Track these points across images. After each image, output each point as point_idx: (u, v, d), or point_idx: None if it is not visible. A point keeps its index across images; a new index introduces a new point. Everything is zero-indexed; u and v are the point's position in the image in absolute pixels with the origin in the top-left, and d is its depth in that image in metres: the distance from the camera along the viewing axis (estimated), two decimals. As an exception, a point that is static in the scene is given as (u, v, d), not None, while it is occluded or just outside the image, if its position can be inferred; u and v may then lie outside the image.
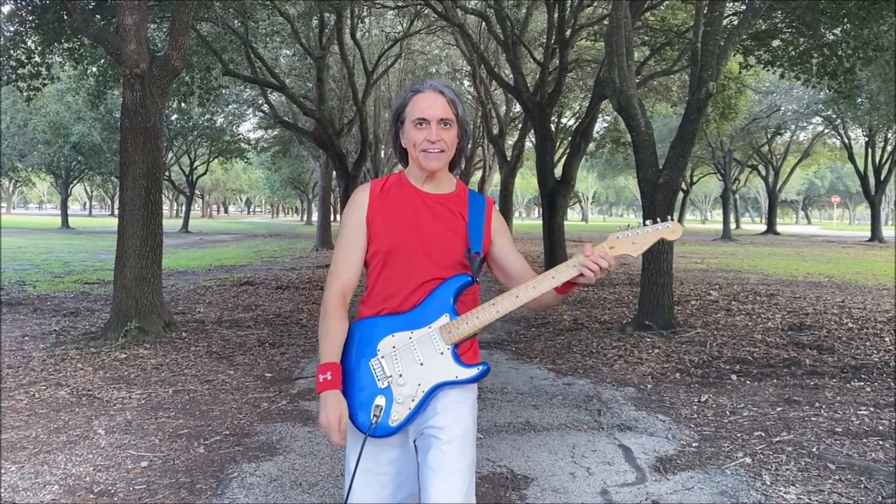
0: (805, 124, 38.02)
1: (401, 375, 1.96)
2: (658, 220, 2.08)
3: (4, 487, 3.49)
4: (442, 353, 1.98)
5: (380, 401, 1.95)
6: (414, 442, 2.03)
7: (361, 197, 2.09)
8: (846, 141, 35.50)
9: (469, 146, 1.94)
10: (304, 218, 67.22)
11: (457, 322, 2.00)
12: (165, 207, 79.01)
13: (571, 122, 24.61)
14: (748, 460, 3.92)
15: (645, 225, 2.07)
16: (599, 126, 24.51)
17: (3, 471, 3.70)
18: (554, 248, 13.60)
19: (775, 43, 11.70)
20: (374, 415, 1.93)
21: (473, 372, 2.00)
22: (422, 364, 1.97)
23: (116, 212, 8.49)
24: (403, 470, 2.03)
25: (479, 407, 4.69)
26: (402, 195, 2.08)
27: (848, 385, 5.55)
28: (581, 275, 2.00)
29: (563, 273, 1.99)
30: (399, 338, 1.99)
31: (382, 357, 1.98)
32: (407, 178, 2.12)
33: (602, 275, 1.99)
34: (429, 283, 2.03)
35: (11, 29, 10.67)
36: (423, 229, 2.04)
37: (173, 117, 29.42)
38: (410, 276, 2.02)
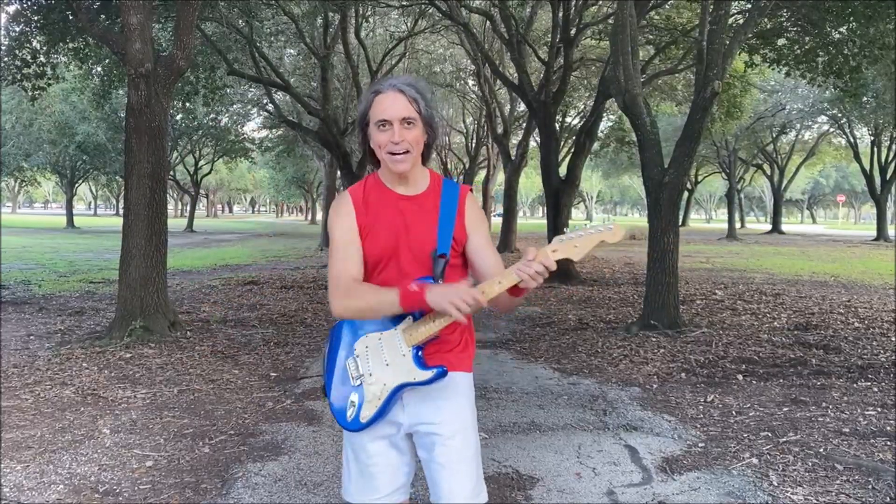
0: (810, 123, 37.92)
1: (371, 374, 2.02)
2: (601, 222, 2.00)
3: (10, 487, 3.49)
4: (404, 355, 2.00)
5: (353, 398, 2.03)
6: (412, 439, 2.11)
7: (346, 207, 2.08)
8: (852, 140, 35.39)
9: (437, 139, 1.85)
10: (309, 217, 67.31)
11: (416, 324, 2.00)
12: (170, 207, 78.86)
13: (576, 121, 24.57)
14: (755, 461, 3.90)
15: (586, 227, 2.01)
16: (604, 125, 24.44)
17: (8, 470, 3.70)
18: (558, 248, 13.55)
19: (781, 41, 11.66)
20: (349, 411, 2.03)
21: (428, 375, 1.99)
22: (387, 364, 2.01)
23: (121, 211, 8.49)
24: (393, 463, 2.10)
25: (485, 407, 4.69)
26: (382, 201, 2.08)
27: (855, 385, 5.52)
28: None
29: (507, 279, 1.95)
30: (371, 339, 2.04)
31: (357, 356, 2.05)
32: (381, 180, 2.12)
33: (539, 279, 1.94)
34: None
35: (17, 29, 10.69)
36: (407, 234, 2.05)
37: (178, 117, 29.40)
38: (401, 280, 2.00)
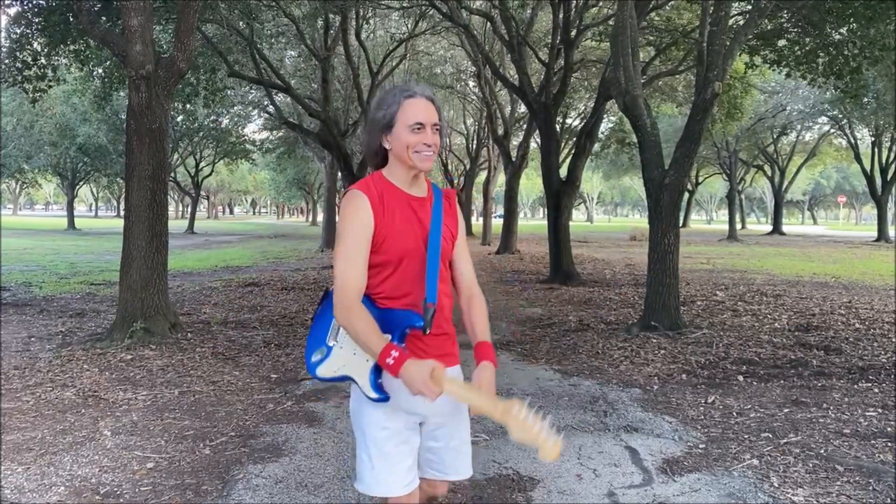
0: (811, 124, 37.94)
1: (341, 349, 2.19)
2: (555, 437, 1.94)
3: (10, 489, 3.49)
4: (367, 360, 2.14)
5: (323, 353, 2.23)
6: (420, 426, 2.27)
7: (364, 204, 2.11)
8: (852, 141, 35.40)
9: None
10: (310, 219, 67.35)
11: None
12: (171, 208, 79.06)
13: (577, 122, 24.60)
14: (755, 462, 3.90)
15: (544, 425, 1.95)
16: (605, 126, 24.49)
17: (9, 472, 3.70)
18: (559, 249, 13.57)
19: (781, 42, 11.67)
20: (316, 357, 2.23)
21: (373, 394, 2.14)
22: (354, 354, 2.16)
23: (122, 213, 8.50)
24: (414, 448, 2.24)
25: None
26: (397, 202, 2.16)
27: (855, 386, 5.52)
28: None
29: (478, 402, 2.04)
30: None
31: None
32: (390, 181, 2.19)
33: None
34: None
35: (17, 31, 10.70)
36: (424, 235, 2.17)
37: (179, 118, 29.46)
38: (422, 275, 2.15)
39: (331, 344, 2.21)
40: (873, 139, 34.52)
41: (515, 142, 23.98)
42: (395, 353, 2.00)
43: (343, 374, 2.19)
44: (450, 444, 2.29)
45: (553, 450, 1.93)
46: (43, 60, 10.99)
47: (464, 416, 2.31)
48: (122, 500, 3.41)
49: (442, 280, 2.19)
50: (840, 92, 11.99)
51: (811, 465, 3.85)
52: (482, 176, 32.51)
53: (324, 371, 2.21)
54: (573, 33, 13.50)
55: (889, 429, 4.42)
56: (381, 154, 2.20)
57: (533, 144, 22.68)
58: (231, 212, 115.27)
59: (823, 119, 35.99)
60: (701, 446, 4.17)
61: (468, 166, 34.61)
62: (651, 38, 14.43)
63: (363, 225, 2.10)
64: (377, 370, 2.11)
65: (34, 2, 10.35)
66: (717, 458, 3.98)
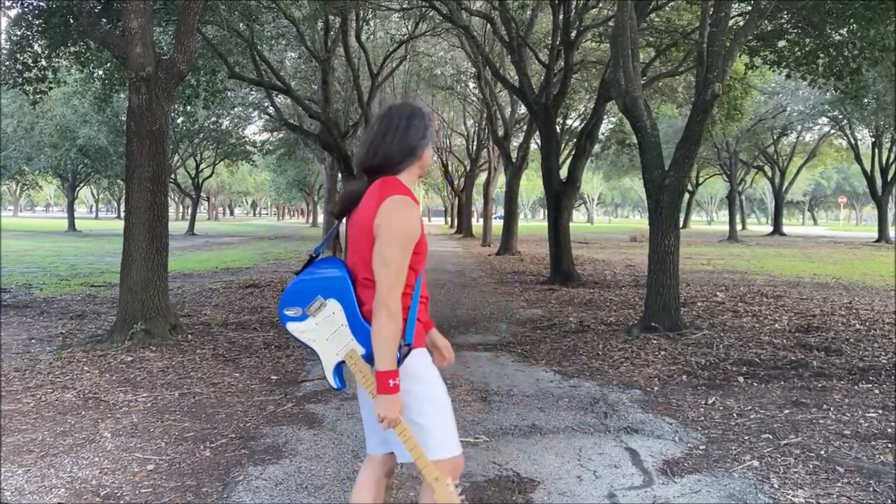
0: (811, 125, 37.96)
1: (316, 325, 2.34)
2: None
3: (10, 491, 3.50)
4: (337, 354, 2.35)
5: (298, 312, 2.37)
6: None
7: (418, 213, 2.24)
8: (853, 141, 35.41)
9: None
10: (310, 220, 67.37)
11: (361, 362, 2.32)
12: (171, 210, 79.11)
13: (577, 123, 24.62)
14: (756, 463, 3.90)
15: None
16: (605, 127, 24.50)
17: (9, 474, 3.70)
18: (559, 250, 13.58)
19: (781, 43, 11.67)
20: (291, 312, 2.39)
21: (332, 382, 2.38)
22: (327, 340, 2.35)
23: (123, 214, 8.51)
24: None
25: (485, 410, 4.71)
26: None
27: (856, 387, 5.52)
28: None
29: (418, 459, 2.26)
30: (341, 315, 2.32)
31: (325, 305, 2.33)
32: (407, 185, 2.34)
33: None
34: None
35: (18, 33, 10.71)
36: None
37: (179, 120, 29.45)
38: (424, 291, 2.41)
39: (309, 314, 2.31)
40: (874, 140, 34.53)
41: (515, 143, 23.99)
42: (395, 381, 2.19)
43: (309, 345, 2.34)
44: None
45: None
46: (43, 62, 10.99)
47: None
48: (122, 502, 3.41)
49: None
50: (840, 93, 11.99)
51: (811, 466, 3.85)
52: (482, 177, 32.52)
53: (292, 328, 2.34)
54: (573, 34, 13.50)
55: (889, 430, 4.42)
56: (410, 160, 2.33)
57: (533, 145, 22.69)
58: (231, 213, 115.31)
59: (824, 120, 36.01)
60: (701, 447, 4.17)
61: (468, 167, 34.63)
62: (651, 39, 14.42)
63: (416, 233, 2.22)
64: (340, 365, 2.31)
65: (35, 4, 10.36)
66: (718, 459, 3.98)
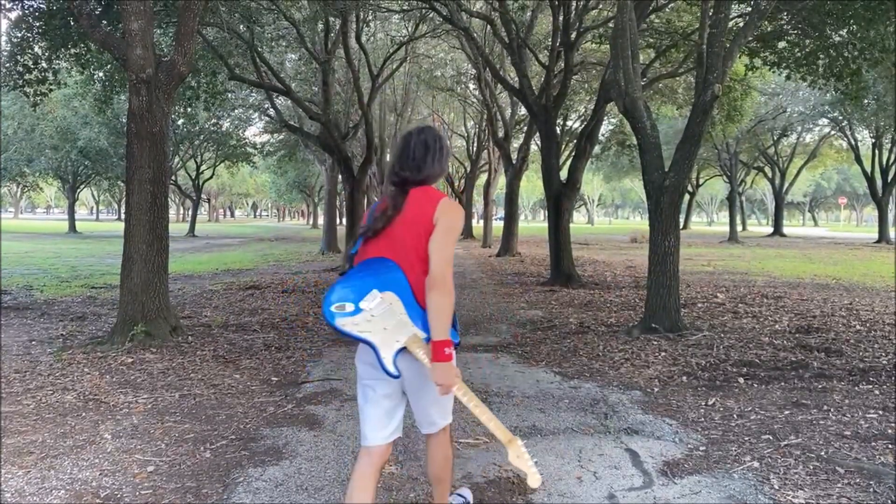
0: (811, 126, 37.99)
1: (372, 317, 2.57)
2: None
3: (11, 492, 3.50)
4: (398, 341, 2.61)
5: (350, 308, 2.57)
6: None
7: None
8: (853, 142, 35.42)
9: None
10: (311, 221, 67.38)
11: (422, 343, 2.61)
12: (172, 212, 79.15)
13: (577, 124, 24.63)
14: (756, 464, 3.90)
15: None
16: (605, 128, 24.52)
17: (9, 476, 3.70)
18: (560, 251, 13.58)
19: (781, 44, 11.68)
20: (337, 307, 2.57)
21: (390, 369, 2.62)
22: (385, 329, 2.59)
23: (123, 216, 8.52)
24: None
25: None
26: None
27: (856, 388, 5.52)
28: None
29: (481, 413, 2.68)
30: (399, 305, 2.60)
31: (381, 298, 2.59)
32: None
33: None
34: None
35: (18, 34, 10.73)
36: None
37: (179, 122, 29.51)
38: None
39: (363, 307, 2.52)
40: (874, 140, 34.54)
41: (516, 144, 24.00)
42: (449, 350, 2.51)
43: (363, 338, 2.54)
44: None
45: (537, 480, 2.69)
46: (44, 64, 11.01)
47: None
48: (122, 504, 3.41)
49: None
50: (840, 94, 11.99)
51: (812, 467, 3.85)
52: (482, 178, 32.54)
53: (343, 323, 2.51)
54: (573, 36, 13.51)
55: (890, 430, 4.42)
56: (442, 175, 2.84)
57: (533, 147, 22.70)
58: (232, 215, 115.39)
59: (824, 121, 36.04)
60: (701, 448, 4.17)
61: (468, 169, 34.64)
62: (651, 40, 14.44)
63: (461, 228, 2.80)
64: (400, 352, 2.55)
65: (35, 6, 10.38)
66: (718, 460, 3.98)
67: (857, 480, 3.65)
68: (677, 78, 15.49)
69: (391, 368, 2.55)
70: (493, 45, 19.41)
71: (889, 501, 3.41)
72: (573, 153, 15.45)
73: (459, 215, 2.67)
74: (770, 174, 42.66)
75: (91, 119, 30.04)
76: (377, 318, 2.52)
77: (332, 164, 22.46)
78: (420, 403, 2.71)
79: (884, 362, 6.46)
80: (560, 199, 13.61)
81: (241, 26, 13.70)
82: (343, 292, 2.53)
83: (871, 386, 5.57)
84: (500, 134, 21.73)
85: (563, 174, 14.57)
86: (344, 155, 17.48)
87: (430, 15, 16.32)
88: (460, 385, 2.55)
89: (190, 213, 45.23)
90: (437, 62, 25.15)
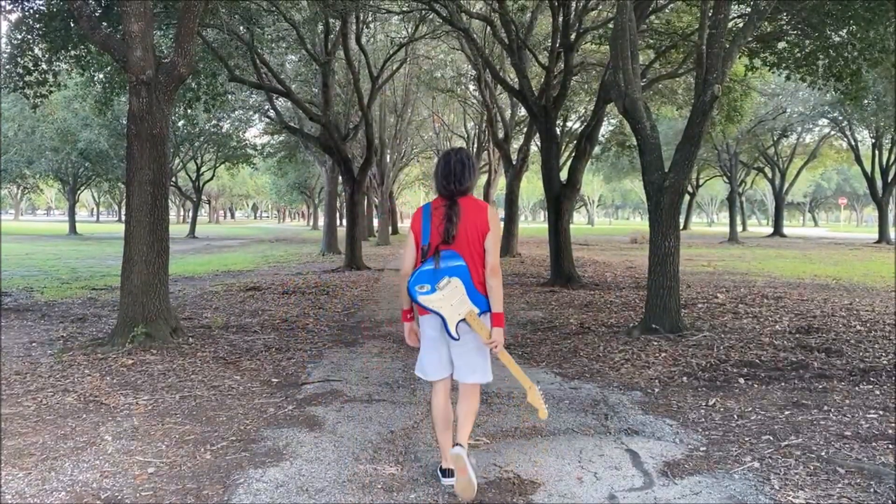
0: (811, 126, 37.98)
1: (443, 296, 3.40)
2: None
3: (11, 494, 3.50)
4: (459, 313, 3.46)
5: (427, 288, 3.45)
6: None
7: None
8: (853, 143, 35.41)
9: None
10: (311, 223, 67.39)
11: (480, 317, 3.47)
12: (172, 213, 79.26)
13: (577, 125, 24.62)
14: (756, 464, 3.90)
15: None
16: (605, 129, 24.51)
17: (10, 477, 3.70)
18: (560, 252, 13.58)
19: (781, 45, 11.68)
20: (419, 287, 3.44)
21: (453, 334, 3.48)
22: (451, 305, 3.43)
23: (123, 218, 8.52)
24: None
25: (486, 412, 4.73)
26: None
27: (857, 388, 5.52)
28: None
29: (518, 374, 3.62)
30: (460, 287, 3.44)
31: (449, 281, 3.44)
32: None
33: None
34: None
35: (18, 36, 10.73)
36: None
37: (180, 123, 29.53)
38: None
39: (437, 289, 3.37)
40: (874, 141, 34.53)
41: (516, 145, 23.99)
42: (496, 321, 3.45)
43: (435, 311, 3.40)
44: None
45: (545, 413, 3.53)
46: (44, 66, 11.02)
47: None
48: (123, 505, 3.41)
49: None
50: (840, 94, 11.99)
51: (812, 467, 3.85)
52: (482, 179, 32.51)
53: (423, 299, 3.39)
54: (573, 37, 13.51)
55: (890, 431, 4.42)
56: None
57: (533, 147, 22.70)
58: (232, 216, 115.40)
59: (824, 121, 36.04)
60: (702, 449, 4.17)
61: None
62: (651, 40, 14.44)
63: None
64: (460, 323, 3.39)
65: (35, 7, 10.38)
66: (718, 460, 3.98)
67: (858, 481, 3.65)
68: (677, 79, 15.50)
69: (454, 333, 3.41)
70: (493, 46, 19.41)
71: (889, 502, 3.41)
72: (573, 154, 15.44)
73: (499, 219, 3.66)
74: (770, 174, 42.66)
75: (91, 121, 30.06)
76: (446, 297, 3.36)
77: (332, 165, 22.46)
78: (464, 359, 3.53)
79: (884, 362, 6.46)
80: (560, 200, 13.62)
81: (241, 28, 13.71)
82: (425, 278, 3.38)
83: (871, 386, 5.57)
84: (500, 135, 21.73)
85: (564, 175, 14.57)
86: (344, 156, 17.49)
87: (430, 16, 16.32)
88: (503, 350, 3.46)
89: (190, 214, 45.24)
90: (436, 63, 25.16)
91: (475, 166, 3.56)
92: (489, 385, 5.68)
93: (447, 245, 3.41)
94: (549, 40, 15.10)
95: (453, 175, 3.48)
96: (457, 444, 3.49)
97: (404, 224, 73.83)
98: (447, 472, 3.59)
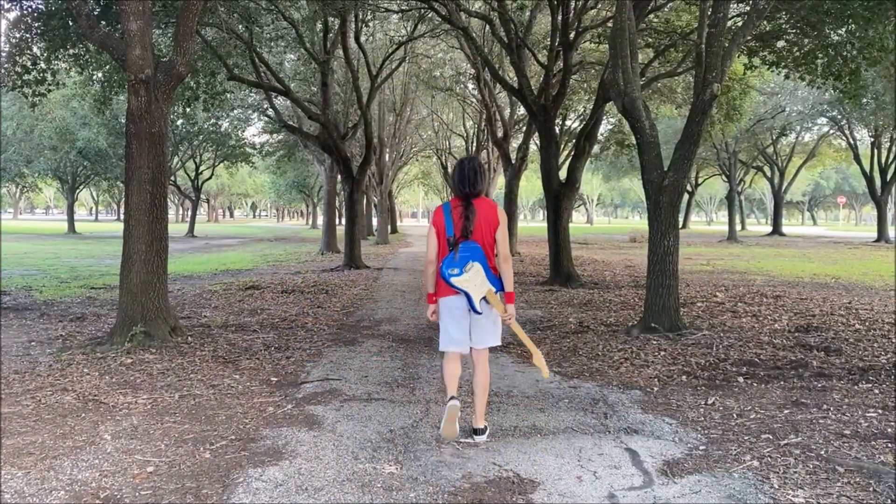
0: (810, 125, 38.00)
1: (468, 278, 4.17)
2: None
3: (10, 493, 3.49)
4: (480, 290, 4.25)
5: (457, 271, 4.20)
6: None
7: None
8: (852, 141, 35.44)
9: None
10: (310, 222, 67.36)
11: (496, 294, 4.30)
12: (171, 212, 79.30)
13: (576, 124, 24.60)
14: (756, 463, 3.90)
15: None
16: (604, 128, 24.47)
17: (9, 477, 3.70)
18: (559, 251, 13.58)
19: (780, 44, 11.68)
20: (451, 270, 4.19)
21: (476, 308, 4.28)
22: (476, 285, 4.23)
23: (122, 216, 8.51)
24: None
25: (486, 410, 4.68)
26: None
27: (856, 387, 5.52)
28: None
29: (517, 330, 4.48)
30: (480, 272, 4.21)
31: (473, 265, 4.22)
32: None
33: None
34: None
35: (17, 35, 10.72)
36: None
37: (179, 122, 29.51)
38: None
39: (465, 272, 4.13)
40: (872, 140, 34.56)
41: (515, 144, 23.98)
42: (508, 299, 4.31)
43: (462, 290, 4.16)
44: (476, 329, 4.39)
45: (547, 374, 4.67)
46: (42, 64, 11.00)
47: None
48: (122, 504, 3.40)
49: None
50: (839, 93, 12.00)
51: (811, 466, 3.85)
52: (481, 178, 32.43)
53: (455, 281, 4.15)
54: (572, 35, 13.50)
55: (889, 430, 4.42)
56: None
57: (532, 146, 22.67)
58: (231, 215, 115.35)
59: (822, 120, 36.08)
60: (701, 448, 4.17)
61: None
62: (650, 39, 14.43)
63: None
64: (482, 300, 4.19)
65: (34, 6, 10.37)
66: (718, 459, 3.98)
67: (857, 479, 3.65)
68: (676, 77, 15.49)
69: (479, 308, 4.20)
70: (492, 45, 19.39)
71: (889, 500, 3.41)
72: (572, 153, 15.44)
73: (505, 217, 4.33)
74: (769, 173, 42.69)
75: (90, 120, 30.04)
76: (471, 279, 4.14)
77: (331, 164, 22.44)
78: (483, 329, 4.32)
79: (883, 361, 6.47)
80: (559, 199, 13.61)
81: (240, 26, 13.69)
82: (455, 264, 4.14)
83: (870, 385, 5.58)
84: (500, 134, 21.70)
85: (563, 174, 14.57)
86: (343, 155, 17.47)
87: (429, 15, 16.30)
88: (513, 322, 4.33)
89: (189, 213, 45.21)
90: (435, 62, 25.12)
91: (486, 173, 4.20)
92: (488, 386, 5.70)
93: (466, 237, 4.18)
94: (549, 39, 15.09)
95: (468, 180, 4.24)
96: (475, 429, 4.33)
97: (403, 223, 73.88)
98: (453, 399, 4.37)
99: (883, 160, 34.53)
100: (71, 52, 10.89)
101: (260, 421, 4.70)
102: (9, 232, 36.93)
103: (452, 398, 4.29)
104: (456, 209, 4.23)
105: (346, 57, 16.93)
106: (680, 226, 8.89)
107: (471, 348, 4.38)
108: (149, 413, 4.85)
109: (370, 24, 19.30)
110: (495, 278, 4.22)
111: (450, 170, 38.66)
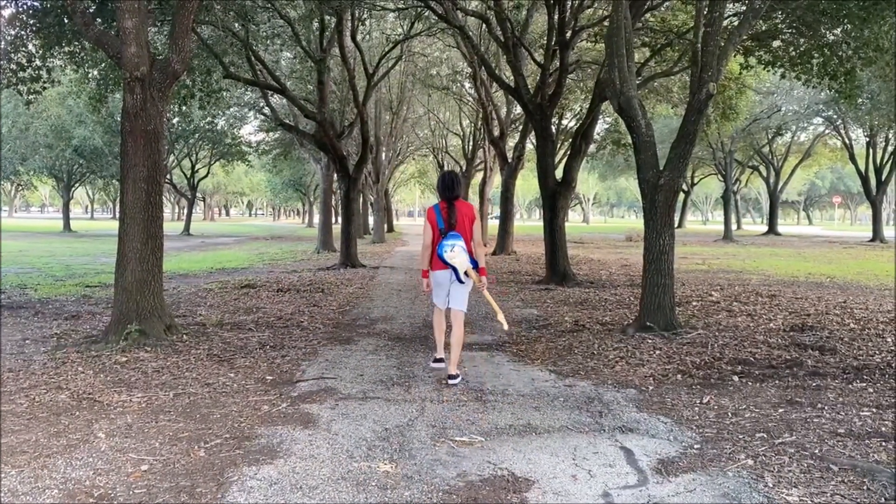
0: (806, 125, 38.09)
1: (455, 255, 5.63)
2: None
3: (4, 492, 3.48)
4: (462, 264, 5.72)
5: (449, 248, 5.71)
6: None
7: None
8: (847, 141, 35.53)
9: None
10: (306, 220, 67.30)
11: (470, 270, 5.74)
12: (167, 210, 79.19)
13: (572, 123, 24.62)
14: (750, 462, 3.91)
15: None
16: (600, 127, 24.53)
17: (3, 475, 3.69)
18: (555, 250, 13.58)
19: (776, 43, 11.71)
20: (446, 249, 5.72)
21: (459, 278, 5.81)
22: (455, 258, 5.69)
23: (118, 215, 8.49)
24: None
25: (481, 409, 4.75)
26: None
27: (850, 386, 5.54)
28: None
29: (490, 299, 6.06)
30: (462, 251, 5.69)
31: (456, 243, 5.72)
32: None
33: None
34: None
35: (12, 32, 10.68)
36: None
37: (174, 120, 29.43)
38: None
39: (452, 250, 5.59)
40: (868, 139, 34.65)
41: (511, 143, 24.00)
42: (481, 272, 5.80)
43: (452, 264, 5.61)
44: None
45: (506, 326, 5.95)
46: (38, 62, 10.96)
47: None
48: (115, 503, 3.40)
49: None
50: (835, 92, 12.02)
51: (806, 464, 3.86)
52: (478, 177, 32.49)
53: (447, 256, 5.60)
54: (568, 34, 13.51)
55: (883, 428, 4.44)
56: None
57: (529, 145, 22.69)
58: (227, 214, 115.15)
59: (818, 120, 36.16)
60: (696, 446, 4.18)
61: (464, 167, 34.58)
62: (646, 39, 14.44)
63: None
64: (464, 273, 5.64)
65: (29, 3, 10.34)
66: (712, 458, 3.99)
67: (851, 478, 3.66)
68: (672, 77, 15.50)
69: (463, 279, 5.69)
70: (489, 44, 19.40)
71: (883, 499, 3.42)
72: (569, 152, 15.44)
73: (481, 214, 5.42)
74: (765, 173, 42.78)
75: (86, 117, 29.96)
76: (457, 256, 5.58)
77: (327, 162, 22.42)
78: (460, 295, 5.82)
79: (877, 360, 6.49)
80: (556, 198, 13.62)
81: (237, 24, 13.67)
82: (447, 245, 5.61)
83: (865, 384, 5.59)
84: (496, 133, 21.71)
85: (559, 173, 14.57)
86: (339, 153, 17.45)
87: (426, 13, 16.28)
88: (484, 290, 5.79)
89: (185, 211, 45.13)
90: (432, 61, 25.12)
91: (462, 181, 5.79)
92: (483, 383, 5.72)
93: (451, 229, 5.71)
94: (545, 38, 15.09)
95: (449, 188, 5.84)
96: (450, 375, 5.72)
97: (400, 222, 73.86)
98: (438, 360, 6.18)
99: (878, 160, 34.64)
100: (66, 49, 10.85)
101: (255, 419, 4.70)
102: (4, 230, 36.82)
103: (440, 360, 6.16)
104: (443, 210, 5.78)
105: (342, 55, 16.90)
106: (676, 225, 8.90)
107: (448, 309, 5.88)
108: (143, 411, 4.84)
109: (367, 22, 19.28)
110: (472, 258, 5.68)
111: (446, 168, 38.74)
